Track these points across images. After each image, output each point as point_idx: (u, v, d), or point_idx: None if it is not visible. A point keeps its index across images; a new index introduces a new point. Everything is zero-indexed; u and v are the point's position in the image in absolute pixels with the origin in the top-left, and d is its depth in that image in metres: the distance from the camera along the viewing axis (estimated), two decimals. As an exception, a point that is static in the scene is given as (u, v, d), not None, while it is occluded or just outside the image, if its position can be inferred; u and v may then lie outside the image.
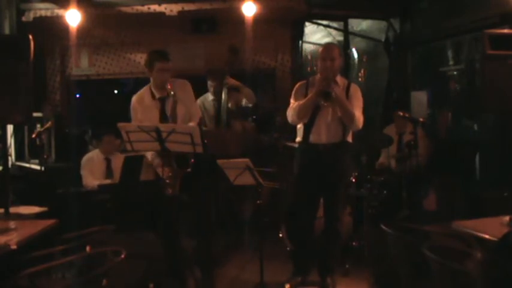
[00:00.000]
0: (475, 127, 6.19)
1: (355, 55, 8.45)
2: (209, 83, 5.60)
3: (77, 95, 7.98)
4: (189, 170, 3.78)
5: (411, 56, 7.31)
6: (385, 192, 4.99)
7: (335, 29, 7.77)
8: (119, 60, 7.21)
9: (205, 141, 3.81)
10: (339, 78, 4.11)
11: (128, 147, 3.66)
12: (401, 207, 4.74)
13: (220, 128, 5.47)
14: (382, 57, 7.64)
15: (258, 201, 4.02)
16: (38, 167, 5.57)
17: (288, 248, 4.86)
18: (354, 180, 4.99)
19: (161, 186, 3.86)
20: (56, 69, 7.21)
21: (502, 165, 5.36)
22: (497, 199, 4.66)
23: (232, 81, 5.42)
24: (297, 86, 4.23)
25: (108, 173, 5.28)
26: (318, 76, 4.07)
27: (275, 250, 4.87)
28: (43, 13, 6.37)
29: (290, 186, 4.57)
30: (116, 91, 9.11)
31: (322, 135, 4.04)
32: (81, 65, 7.28)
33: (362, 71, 8.54)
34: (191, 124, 4.02)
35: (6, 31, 6.11)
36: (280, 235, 4.95)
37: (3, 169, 4.67)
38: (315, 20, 7.51)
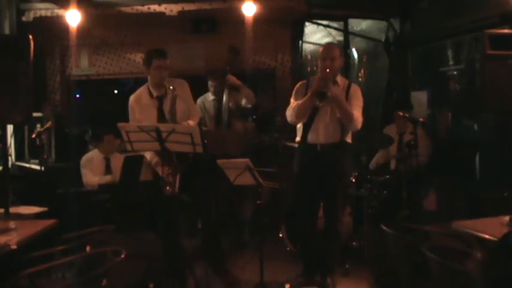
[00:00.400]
0: (475, 127, 6.19)
1: (355, 55, 8.45)
2: (210, 82, 5.60)
3: (77, 95, 7.98)
4: (188, 165, 3.76)
5: (411, 56, 7.31)
6: (385, 192, 4.98)
7: (335, 29, 7.77)
8: (119, 60, 7.21)
9: (206, 141, 3.81)
10: (339, 78, 4.11)
11: (128, 147, 3.66)
12: (401, 207, 4.74)
13: (221, 128, 5.47)
14: (382, 57, 7.64)
15: (258, 201, 4.02)
16: (38, 167, 5.57)
17: (288, 248, 4.87)
18: (354, 180, 4.99)
19: (161, 186, 3.86)
20: (56, 69, 7.21)
21: (502, 165, 5.36)
22: (497, 199, 4.66)
23: (233, 80, 5.42)
24: (297, 85, 4.23)
25: (108, 172, 5.29)
26: (318, 76, 4.08)
27: (275, 250, 4.87)
28: (43, 13, 6.36)
29: (290, 186, 4.57)
30: (116, 91, 9.10)
31: (320, 135, 4.04)
32: (81, 65, 7.28)
33: (362, 71, 8.54)
34: (191, 123, 4.02)
35: (6, 31, 6.11)
36: (280, 235, 4.96)
37: (3, 169, 4.67)
38: (315, 20, 7.51)
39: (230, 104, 5.47)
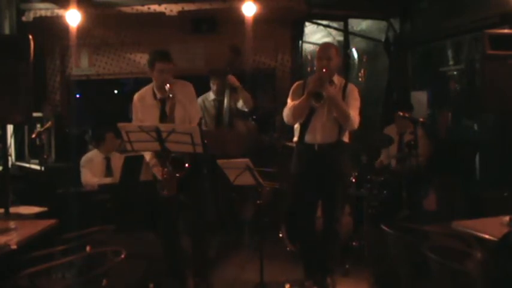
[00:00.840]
0: (475, 127, 6.19)
1: (355, 55, 8.45)
2: (212, 82, 5.60)
3: (77, 95, 7.98)
4: (183, 173, 3.74)
5: (411, 56, 7.31)
6: (385, 192, 4.98)
7: (335, 29, 7.77)
8: (119, 60, 7.20)
9: (206, 141, 3.81)
10: (336, 78, 4.10)
11: (128, 147, 3.65)
12: (401, 207, 4.74)
13: (222, 128, 5.47)
14: (382, 57, 7.64)
15: (258, 201, 4.02)
16: (38, 167, 5.57)
17: (288, 248, 4.87)
18: (354, 180, 4.99)
19: (158, 188, 3.86)
20: (56, 69, 7.21)
21: (502, 165, 5.36)
22: (497, 199, 4.66)
23: (233, 81, 5.42)
24: (294, 86, 4.22)
25: (108, 172, 5.29)
26: (315, 76, 4.07)
27: (275, 250, 4.87)
28: (43, 13, 6.36)
29: (290, 186, 4.57)
30: (116, 91, 9.11)
31: (317, 135, 4.03)
32: (81, 65, 7.28)
33: (362, 71, 8.54)
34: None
35: (6, 31, 6.11)
36: (280, 235, 4.96)
37: (3, 169, 4.67)
38: (315, 20, 7.51)
39: (231, 104, 5.47)
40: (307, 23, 7.44)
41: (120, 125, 3.58)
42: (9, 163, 5.56)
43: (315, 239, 4.18)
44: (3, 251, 2.56)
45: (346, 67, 7.40)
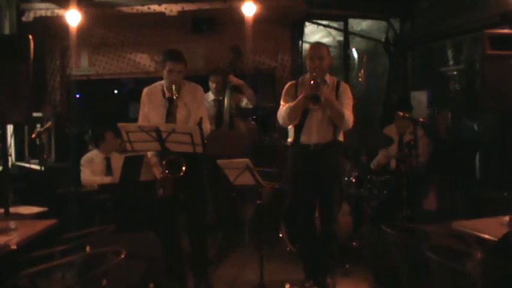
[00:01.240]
0: (475, 127, 6.19)
1: (355, 55, 8.44)
2: (211, 82, 5.60)
3: (77, 95, 7.97)
4: (179, 174, 3.73)
5: (411, 56, 7.31)
6: (385, 192, 4.99)
7: (335, 29, 7.77)
8: (118, 60, 7.20)
9: (205, 141, 3.81)
10: (328, 77, 4.08)
11: (128, 147, 3.65)
12: (401, 207, 4.74)
13: (222, 128, 5.46)
14: (382, 57, 7.64)
15: (258, 201, 4.02)
16: (38, 167, 5.57)
17: (288, 248, 4.87)
18: (353, 180, 4.99)
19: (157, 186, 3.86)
20: (56, 69, 7.21)
21: (502, 165, 5.36)
22: (497, 199, 4.67)
23: (236, 80, 5.42)
24: (286, 86, 4.18)
25: (108, 172, 5.29)
26: (308, 76, 4.05)
27: (275, 250, 4.87)
28: (43, 13, 6.36)
29: (289, 187, 4.57)
30: (116, 91, 9.10)
31: (313, 135, 4.02)
32: (81, 65, 7.27)
33: (362, 71, 8.53)
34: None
35: (6, 31, 6.11)
36: (280, 235, 4.96)
37: (3, 169, 4.67)
38: (315, 20, 7.51)
39: (231, 104, 5.47)
40: (307, 23, 7.44)
41: (120, 125, 3.58)
42: (9, 163, 5.57)
43: (314, 239, 4.17)
44: (3, 251, 2.56)
45: (346, 67, 7.40)
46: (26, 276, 2.51)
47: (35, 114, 4.51)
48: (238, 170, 3.82)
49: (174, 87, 3.87)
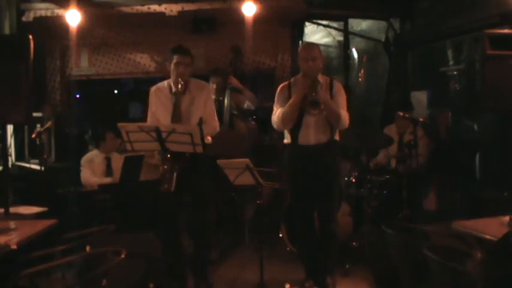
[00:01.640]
0: (475, 127, 6.19)
1: (355, 55, 8.45)
2: (211, 82, 5.59)
3: (77, 95, 7.97)
4: (184, 164, 3.74)
5: (411, 56, 7.32)
6: (385, 192, 4.99)
7: (335, 29, 7.77)
8: (118, 60, 7.20)
9: (212, 139, 3.81)
10: (320, 77, 4.07)
11: (128, 147, 3.65)
12: (401, 207, 4.74)
13: (222, 129, 5.46)
14: (382, 57, 7.64)
15: (258, 201, 4.02)
16: (38, 167, 5.57)
17: (288, 248, 4.87)
18: (353, 180, 4.98)
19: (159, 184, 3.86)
20: (56, 69, 7.21)
21: (502, 165, 5.36)
22: (497, 199, 4.67)
23: (236, 83, 5.42)
24: (279, 89, 4.14)
25: (108, 172, 5.29)
26: (300, 76, 4.04)
27: (275, 250, 4.87)
28: (43, 13, 6.37)
29: (288, 187, 4.57)
30: (116, 91, 9.09)
31: (310, 136, 4.00)
32: (81, 65, 7.28)
33: (362, 71, 8.54)
34: (209, 138, 4.03)
35: (6, 31, 6.11)
36: (280, 235, 4.96)
37: (3, 169, 4.67)
38: (315, 20, 7.51)
39: (231, 104, 5.47)
40: (307, 23, 7.45)
41: (120, 125, 3.58)
42: (9, 163, 5.57)
43: (314, 239, 4.17)
44: (3, 251, 2.56)
45: (346, 67, 7.41)
46: (26, 276, 2.52)
47: (35, 114, 4.50)
48: (238, 170, 3.82)
49: (180, 79, 3.87)
